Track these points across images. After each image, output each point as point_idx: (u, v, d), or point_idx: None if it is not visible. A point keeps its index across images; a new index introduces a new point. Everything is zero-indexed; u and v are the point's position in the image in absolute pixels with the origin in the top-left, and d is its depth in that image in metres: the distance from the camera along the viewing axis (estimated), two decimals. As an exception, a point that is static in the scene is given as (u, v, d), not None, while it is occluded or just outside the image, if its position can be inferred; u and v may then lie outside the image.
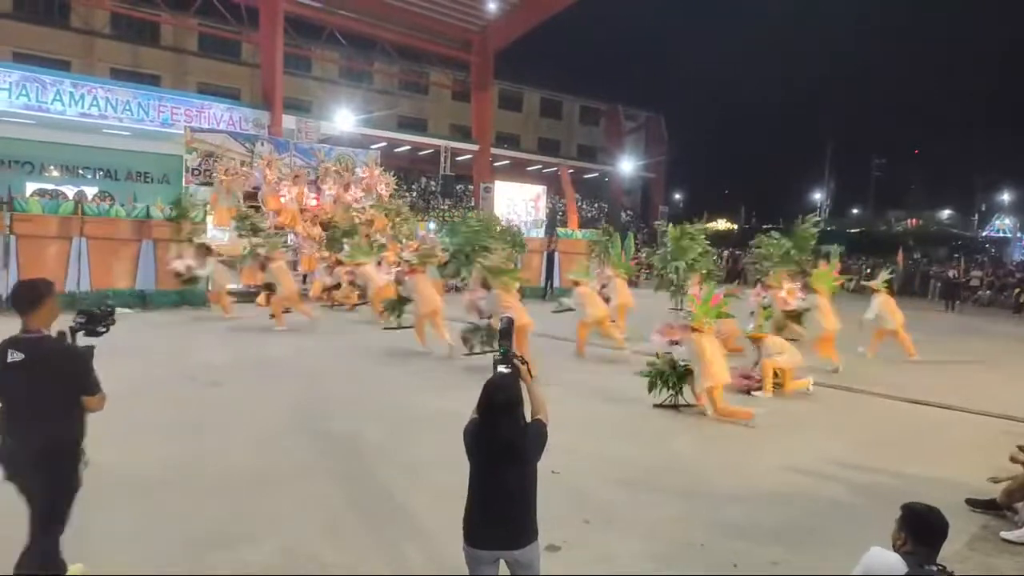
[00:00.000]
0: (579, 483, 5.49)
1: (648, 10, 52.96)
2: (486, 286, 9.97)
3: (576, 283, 11.80)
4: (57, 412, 3.32)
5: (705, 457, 6.45)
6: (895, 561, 2.88)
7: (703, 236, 10.04)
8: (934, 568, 2.83)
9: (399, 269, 13.38)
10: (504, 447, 2.97)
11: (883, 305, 12.06)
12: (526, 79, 40.18)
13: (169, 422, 6.77)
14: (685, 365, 7.89)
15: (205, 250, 14.02)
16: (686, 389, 7.99)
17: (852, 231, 45.40)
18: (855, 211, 57.16)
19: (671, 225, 10.24)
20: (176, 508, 4.77)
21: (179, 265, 13.80)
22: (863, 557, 3.01)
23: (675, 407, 7.99)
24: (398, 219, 18.17)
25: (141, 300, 14.52)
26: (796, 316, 10.76)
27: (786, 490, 5.66)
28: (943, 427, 7.94)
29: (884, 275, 12.82)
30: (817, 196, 55.70)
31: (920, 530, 2.93)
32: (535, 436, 3.07)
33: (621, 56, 57.04)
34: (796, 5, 51.98)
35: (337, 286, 15.96)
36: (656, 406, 7.98)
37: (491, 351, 8.88)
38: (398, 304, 12.34)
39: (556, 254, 20.61)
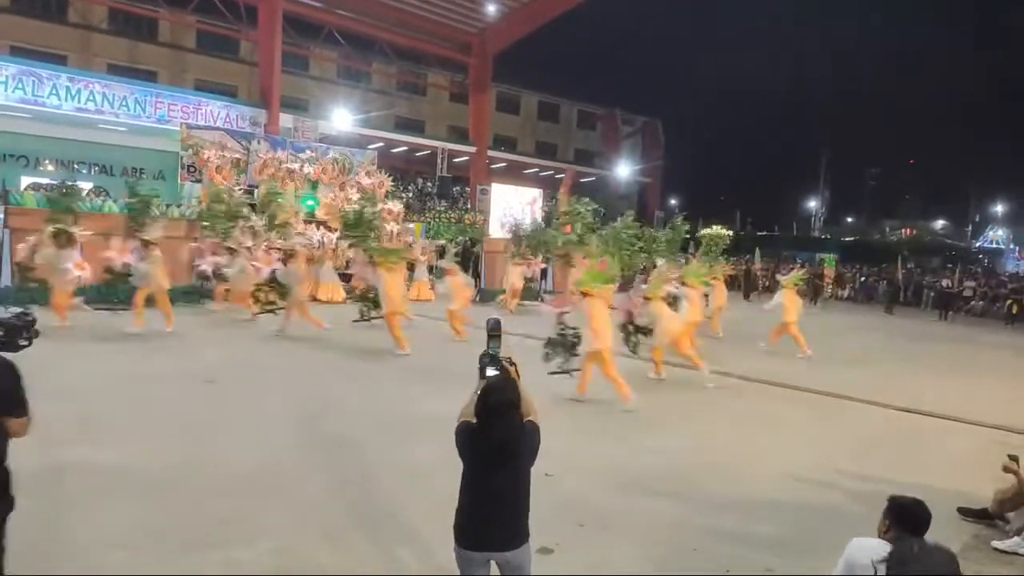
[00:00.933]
0: (573, 486, 5.49)
1: (647, 16, 53.12)
2: (373, 264, 11.33)
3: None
4: None
5: (699, 461, 6.45)
6: (876, 544, 2.97)
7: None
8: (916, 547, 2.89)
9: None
10: (499, 449, 2.95)
11: (786, 299, 12.86)
12: (524, 82, 40.19)
13: (168, 422, 6.73)
14: (575, 333, 8.48)
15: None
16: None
17: (846, 239, 45.61)
18: (849, 220, 57.43)
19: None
20: (172, 508, 4.75)
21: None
22: (845, 550, 3.08)
23: (567, 372, 8.70)
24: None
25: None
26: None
27: (779, 496, 5.66)
28: (936, 436, 7.96)
29: (797, 275, 13.92)
30: (812, 204, 55.93)
31: (903, 517, 3.04)
32: (530, 438, 3.06)
33: (619, 60, 57.29)
34: (794, 13, 52.23)
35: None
36: (551, 374, 8.63)
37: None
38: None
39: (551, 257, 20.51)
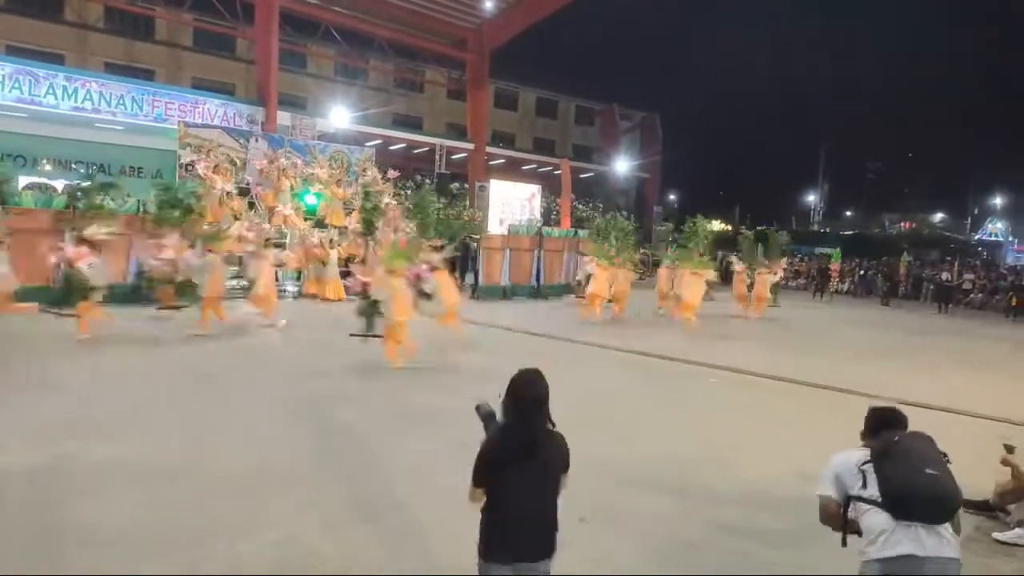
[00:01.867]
0: (572, 481, 5.46)
1: (644, 10, 53.06)
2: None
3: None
4: None
5: (699, 455, 6.44)
6: (857, 451, 3.06)
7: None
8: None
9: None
10: (529, 444, 2.88)
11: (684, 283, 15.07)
12: (522, 78, 40.12)
13: (167, 417, 6.72)
14: (376, 302, 9.47)
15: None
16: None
17: (846, 233, 45.60)
18: (849, 213, 57.44)
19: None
20: (172, 502, 4.74)
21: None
22: (828, 465, 3.14)
23: (367, 336, 9.74)
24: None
25: (136, 294, 14.42)
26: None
27: (781, 490, 5.65)
28: (937, 429, 7.84)
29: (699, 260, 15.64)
30: (811, 198, 55.93)
31: (876, 421, 3.17)
32: (560, 446, 3.02)
33: (617, 56, 57.19)
34: (794, 7, 52.14)
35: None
36: (351, 335, 9.98)
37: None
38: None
39: (542, 254, 20.47)
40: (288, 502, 4.86)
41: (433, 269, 10.35)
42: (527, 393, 2.89)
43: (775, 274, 18.19)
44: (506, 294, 19.39)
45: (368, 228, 12.35)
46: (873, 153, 55.14)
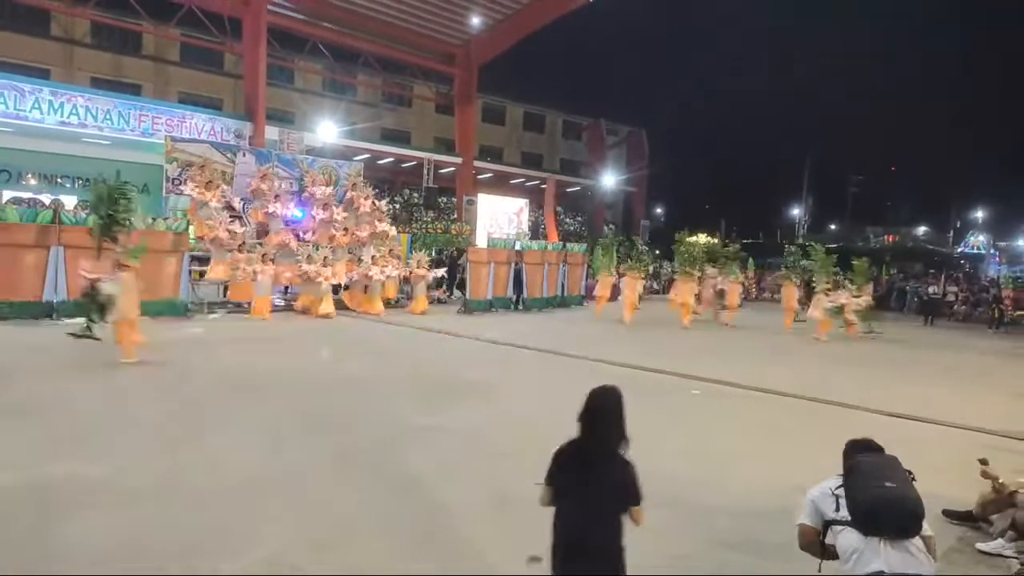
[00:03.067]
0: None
1: (630, 26, 53.60)
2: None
3: None
4: None
5: (687, 467, 6.46)
6: (831, 480, 3.26)
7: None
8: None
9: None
10: (605, 459, 2.91)
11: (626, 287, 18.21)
12: (509, 93, 40.39)
13: (155, 433, 6.67)
14: (108, 298, 9.36)
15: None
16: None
17: (830, 246, 45.96)
18: (833, 227, 57.99)
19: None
20: (159, 520, 4.71)
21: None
22: (805, 500, 3.35)
23: (90, 336, 9.66)
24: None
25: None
26: None
27: (772, 502, 5.64)
28: (922, 440, 8.01)
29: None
30: (796, 211, 56.44)
31: (853, 450, 3.35)
32: (628, 472, 2.99)
33: (604, 71, 57.67)
34: (777, 22, 52.87)
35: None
36: (69, 334, 9.85)
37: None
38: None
39: (523, 267, 20.47)
40: (276, 519, 4.82)
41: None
42: (598, 404, 3.03)
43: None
44: (492, 306, 19.45)
45: (106, 229, 10.27)
46: (856, 167, 55.85)
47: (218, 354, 11.03)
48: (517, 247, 21.18)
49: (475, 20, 29.17)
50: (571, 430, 3.17)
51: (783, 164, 59.42)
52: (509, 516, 4.93)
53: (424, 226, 27.36)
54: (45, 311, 13.57)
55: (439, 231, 27.10)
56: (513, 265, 20.19)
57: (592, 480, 2.88)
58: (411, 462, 6.12)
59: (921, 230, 54.48)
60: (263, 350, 11.69)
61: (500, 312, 19.38)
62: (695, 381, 10.57)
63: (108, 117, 22.20)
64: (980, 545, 4.96)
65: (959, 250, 47.77)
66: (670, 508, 5.44)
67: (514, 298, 20.29)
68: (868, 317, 17.94)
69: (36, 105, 21.09)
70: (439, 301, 20.31)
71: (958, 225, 53.41)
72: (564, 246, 23.07)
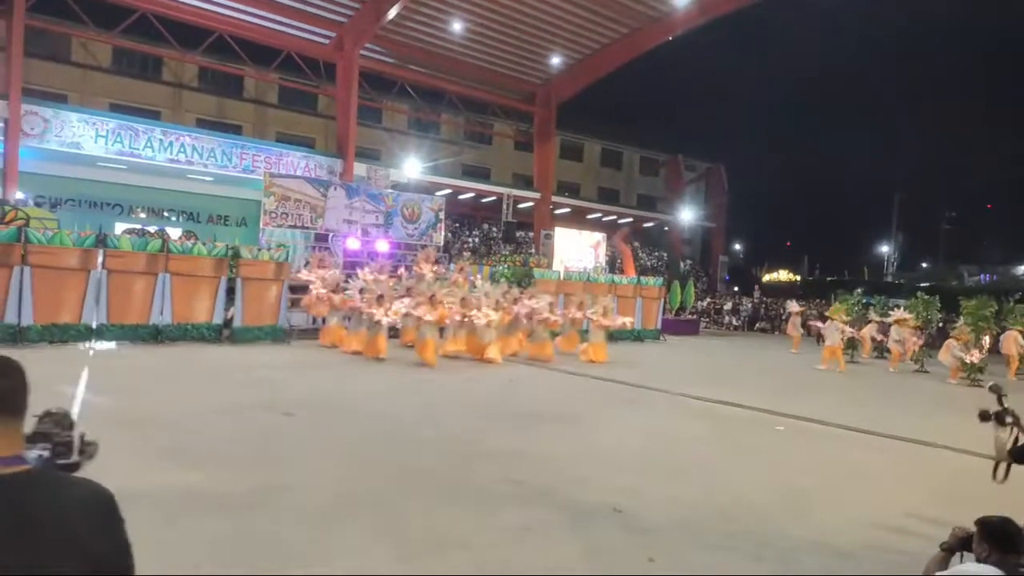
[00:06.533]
0: (643, 523, 5.56)
1: (709, 61, 53.52)
2: None
3: None
4: None
5: (771, 502, 6.42)
6: (992, 571, 2.90)
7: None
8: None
9: None
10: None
11: None
12: (587, 130, 40.85)
13: (249, 450, 7.13)
14: None
15: None
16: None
17: (921, 285, 44.06)
18: (924, 265, 55.53)
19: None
20: (249, 531, 5.03)
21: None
22: (953, 570, 3.08)
23: None
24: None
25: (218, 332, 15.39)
26: None
27: (858, 539, 5.57)
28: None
29: None
30: (884, 248, 54.41)
31: (1002, 539, 3.01)
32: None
33: (683, 106, 57.59)
34: (865, 55, 51.73)
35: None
36: None
37: None
38: None
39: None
40: (361, 533, 5.09)
41: None
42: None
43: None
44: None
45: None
46: (949, 202, 53.54)
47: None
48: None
49: (555, 60, 29.83)
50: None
51: (871, 200, 57.60)
52: None
53: (502, 259, 27.81)
54: (150, 334, 14.59)
55: (517, 264, 27.49)
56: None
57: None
58: (484, 481, 6.31)
59: (1021, 269, 51.51)
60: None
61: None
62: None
63: (212, 155, 23.72)
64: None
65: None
66: (756, 541, 5.42)
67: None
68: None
69: (148, 144, 22.78)
70: None
71: (1058, 263, 50.22)
72: (639, 280, 23.07)
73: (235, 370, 11.83)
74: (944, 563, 3.25)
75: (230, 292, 15.71)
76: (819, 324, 20.84)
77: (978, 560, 3.07)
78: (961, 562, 3.18)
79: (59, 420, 1.94)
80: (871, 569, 5.00)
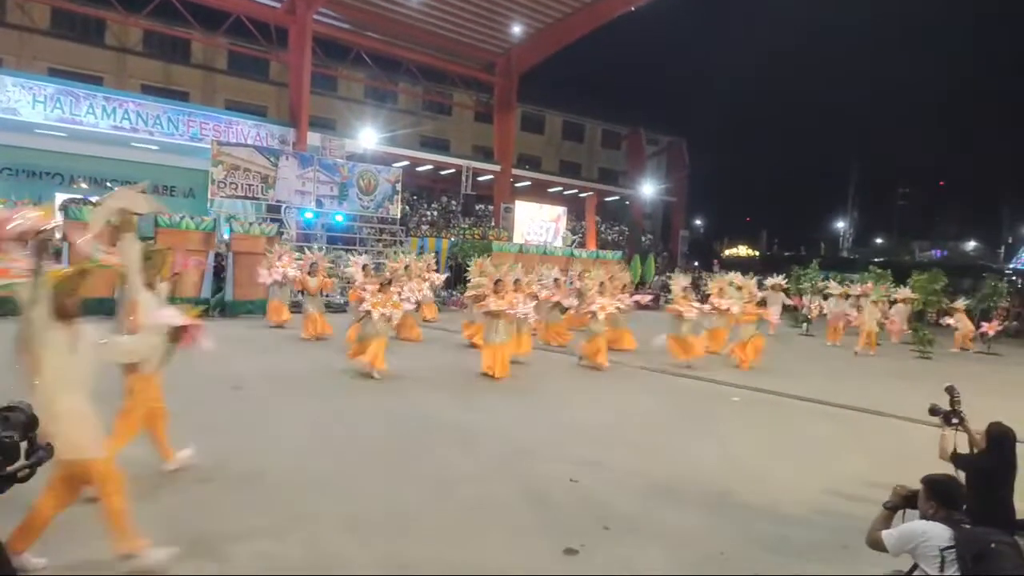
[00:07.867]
0: (598, 491, 5.41)
1: (671, 34, 53.37)
2: None
3: None
4: None
5: (724, 470, 6.33)
6: (939, 529, 3.04)
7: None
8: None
9: None
10: None
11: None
12: (548, 102, 40.42)
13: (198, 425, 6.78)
14: None
15: None
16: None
17: (876, 260, 45.01)
18: (878, 241, 56.73)
19: None
20: (200, 503, 4.80)
21: None
22: (902, 527, 3.20)
23: None
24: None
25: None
26: None
27: (811, 505, 5.54)
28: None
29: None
30: (840, 224, 55.39)
31: (946, 496, 3.21)
32: None
33: (644, 79, 57.21)
34: (823, 30, 52.14)
35: None
36: None
37: None
38: None
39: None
40: (314, 504, 4.86)
41: None
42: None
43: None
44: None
45: None
46: (903, 180, 54.56)
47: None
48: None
49: (516, 29, 29.28)
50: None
51: (827, 176, 58.46)
52: None
53: (462, 232, 27.44)
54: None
55: (476, 237, 27.16)
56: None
57: None
58: (441, 458, 6.09)
59: (971, 245, 52.99)
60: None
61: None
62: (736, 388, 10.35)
63: (158, 122, 22.76)
64: None
65: (1011, 266, 46.26)
66: (708, 506, 5.30)
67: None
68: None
69: (90, 110, 21.73)
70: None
71: (1010, 240, 51.72)
72: (598, 254, 22.96)
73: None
74: (887, 521, 3.37)
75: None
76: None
77: (923, 517, 3.21)
78: (904, 520, 3.34)
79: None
80: (821, 533, 4.94)
